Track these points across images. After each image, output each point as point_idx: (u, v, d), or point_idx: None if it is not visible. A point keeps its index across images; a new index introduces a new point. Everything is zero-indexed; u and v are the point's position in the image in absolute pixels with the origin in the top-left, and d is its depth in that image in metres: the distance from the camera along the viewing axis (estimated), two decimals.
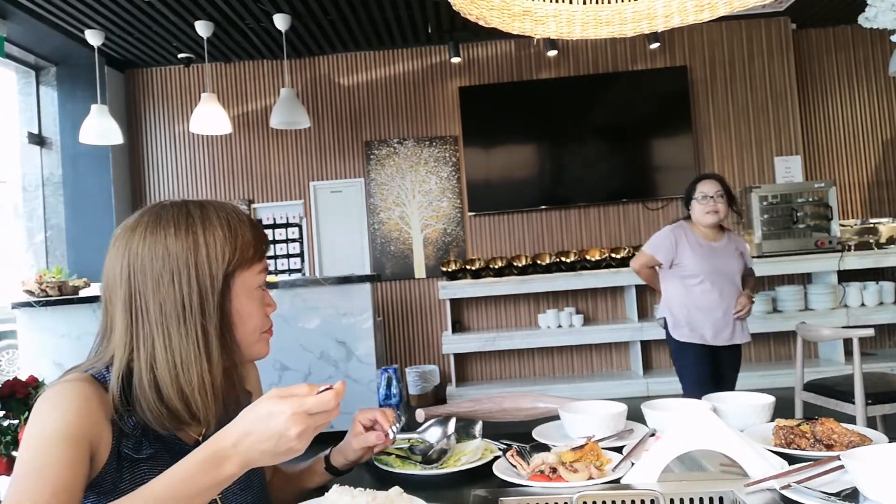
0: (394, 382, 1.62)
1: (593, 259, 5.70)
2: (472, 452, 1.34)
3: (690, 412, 1.36)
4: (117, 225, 1.03)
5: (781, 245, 5.50)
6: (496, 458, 1.32)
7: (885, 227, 5.62)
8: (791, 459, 1.21)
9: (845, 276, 5.56)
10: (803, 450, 1.25)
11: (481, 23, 1.42)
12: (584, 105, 6.01)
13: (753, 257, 6.11)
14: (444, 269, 5.79)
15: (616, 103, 5.99)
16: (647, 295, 5.76)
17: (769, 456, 1.18)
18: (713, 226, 3.19)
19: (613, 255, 5.66)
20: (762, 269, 5.44)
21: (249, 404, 0.86)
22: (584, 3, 1.41)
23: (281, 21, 5.09)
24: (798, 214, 5.49)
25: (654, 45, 5.89)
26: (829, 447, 1.24)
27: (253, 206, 6.14)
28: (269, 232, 6.15)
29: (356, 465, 1.32)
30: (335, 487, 0.99)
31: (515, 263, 5.76)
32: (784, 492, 1.04)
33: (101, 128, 4.99)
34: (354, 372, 4.54)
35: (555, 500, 1.13)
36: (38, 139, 5.69)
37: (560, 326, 5.69)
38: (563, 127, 5.99)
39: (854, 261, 5.42)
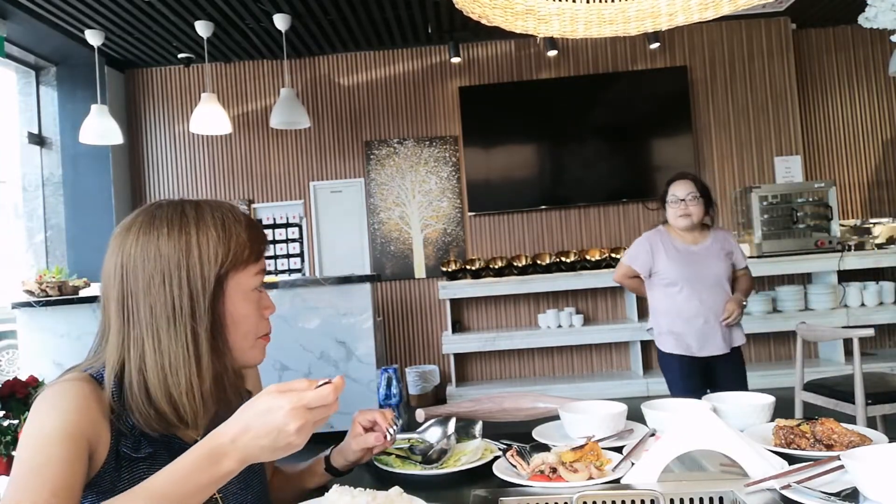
0: (394, 382, 1.61)
1: (593, 259, 5.70)
2: (472, 452, 1.34)
3: (690, 412, 1.36)
4: (117, 225, 1.03)
5: (781, 245, 5.50)
6: (496, 458, 1.32)
7: (885, 227, 5.62)
8: (791, 459, 1.21)
9: (845, 276, 5.56)
10: (803, 450, 1.25)
11: (484, 21, 1.41)
12: (584, 105, 6.01)
13: (753, 257, 6.15)
14: (444, 269, 5.79)
15: (616, 103, 5.99)
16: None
17: (769, 456, 1.18)
18: (688, 229, 2.98)
19: (613, 255, 5.66)
20: (762, 269, 5.46)
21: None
22: (588, 1, 1.41)
23: (281, 21, 5.09)
24: (798, 214, 5.49)
25: (654, 45, 5.89)
26: (829, 447, 1.24)
27: (253, 206, 6.14)
28: (268, 232, 6.15)
29: (356, 466, 1.32)
30: (335, 487, 0.99)
31: (515, 263, 5.76)
32: (784, 492, 1.04)
33: (101, 128, 4.99)
34: (354, 372, 4.54)
35: (555, 500, 1.13)
36: (38, 139, 5.69)
37: (560, 326, 5.68)
38: (563, 127, 5.99)
39: (854, 261, 5.42)
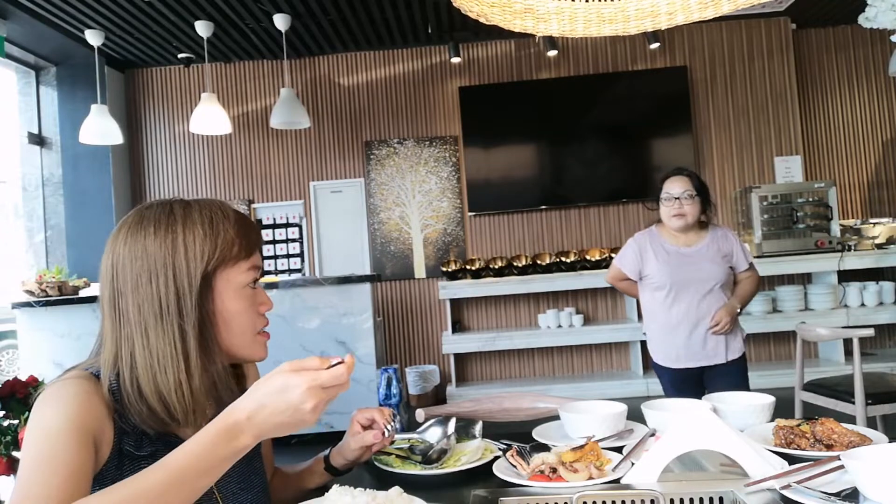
0: (394, 382, 1.62)
1: (593, 259, 5.70)
2: (472, 452, 1.34)
3: (690, 412, 1.36)
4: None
5: (781, 245, 5.50)
6: (496, 458, 1.32)
7: (885, 227, 5.62)
8: (791, 459, 1.21)
9: (845, 276, 5.56)
10: (803, 450, 1.25)
11: (482, 20, 1.41)
12: (584, 105, 6.01)
13: (753, 257, 6.17)
14: (444, 269, 5.79)
15: (616, 103, 5.99)
16: None
17: (769, 456, 1.18)
18: (683, 230, 2.76)
19: (613, 255, 5.64)
20: (762, 269, 5.38)
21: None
22: (587, 0, 1.41)
23: (281, 21, 5.09)
24: (798, 214, 5.49)
25: (655, 45, 5.89)
26: (829, 447, 1.24)
27: (253, 206, 6.14)
28: (268, 232, 6.15)
29: (356, 465, 1.32)
30: (335, 487, 0.99)
31: (515, 263, 5.76)
32: (784, 492, 1.04)
33: (100, 128, 4.99)
34: (355, 372, 4.52)
35: (555, 500, 1.13)
36: (38, 139, 5.69)
37: (560, 326, 5.68)
38: (563, 127, 5.99)
39: (854, 261, 5.42)
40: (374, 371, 4.55)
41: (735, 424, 1.32)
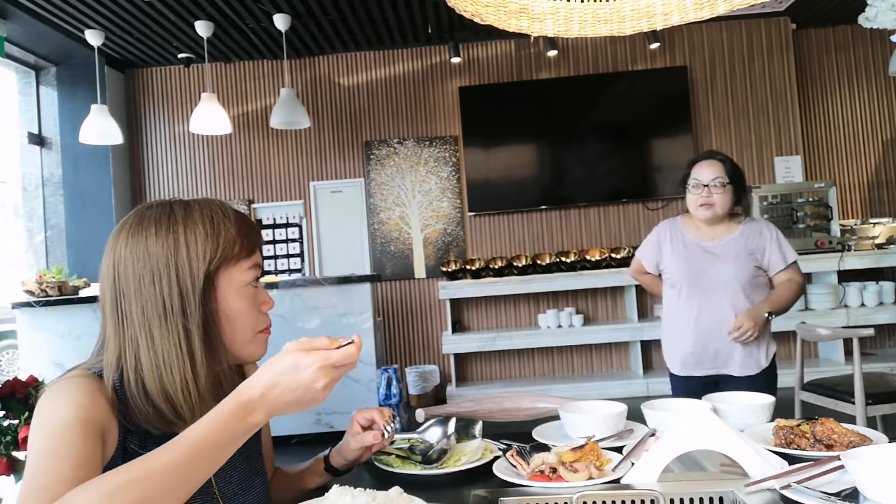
0: (394, 382, 1.62)
1: (593, 259, 5.70)
2: (472, 452, 1.34)
3: (690, 412, 1.36)
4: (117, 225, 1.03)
5: None
6: (496, 458, 1.32)
7: (885, 227, 5.62)
8: (791, 459, 1.21)
9: (845, 276, 5.56)
10: (803, 450, 1.25)
11: (476, 19, 1.41)
12: (584, 105, 6.01)
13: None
14: (444, 269, 5.79)
15: (616, 103, 5.99)
16: (647, 295, 5.76)
17: (769, 456, 1.18)
18: (710, 222, 2.45)
19: (613, 255, 5.66)
20: None
21: None
22: (582, 0, 1.41)
23: (281, 21, 5.09)
24: (798, 214, 5.49)
25: (654, 45, 5.89)
26: (829, 447, 1.24)
27: (253, 206, 6.14)
28: (268, 232, 6.15)
29: (356, 465, 1.32)
30: (335, 487, 0.99)
31: (515, 263, 5.76)
32: (784, 492, 1.04)
33: (101, 128, 4.99)
34: (354, 372, 4.52)
35: (555, 500, 1.13)
36: (38, 139, 5.69)
37: (560, 326, 5.68)
38: (563, 127, 5.99)
39: (854, 261, 5.42)
40: (374, 371, 4.55)
41: (735, 424, 1.32)
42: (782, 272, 2.46)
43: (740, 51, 6.03)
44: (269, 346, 1.09)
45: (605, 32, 1.42)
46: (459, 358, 5.92)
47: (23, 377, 2.40)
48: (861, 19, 2.78)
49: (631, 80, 6.00)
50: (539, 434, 1.48)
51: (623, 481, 1.15)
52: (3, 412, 2.26)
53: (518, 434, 1.50)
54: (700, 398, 2.29)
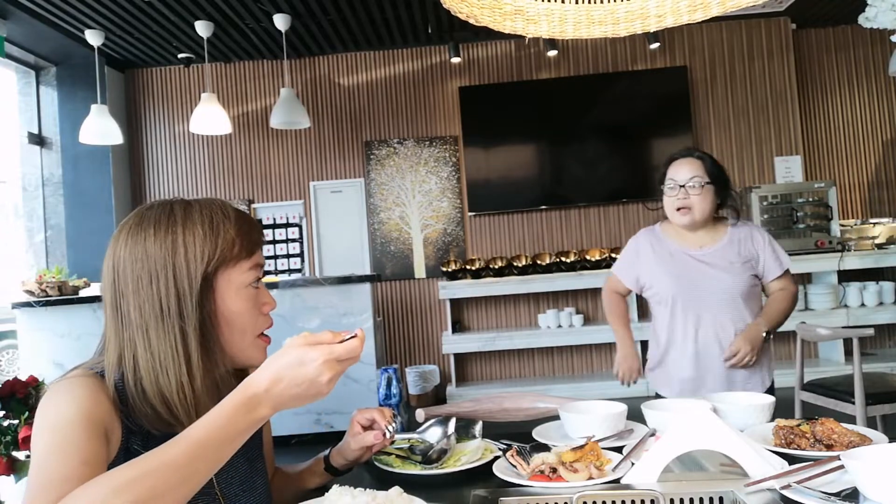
0: (394, 382, 1.62)
1: (593, 259, 5.70)
2: (472, 452, 1.34)
3: (690, 412, 1.36)
4: (117, 225, 1.03)
5: (781, 245, 5.46)
6: (496, 458, 1.32)
7: (885, 227, 5.62)
8: (791, 459, 1.21)
9: (845, 276, 5.56)
10: (803, 450, 1.25)
11: (472, 21, 1.41)
12: (584, 105, 6.01)
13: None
14: (444, 269, 5.79)
15: (616, 103, 5.99)
16: None
17: (769, 456, 1.18)
18: (691, 227, 2.19)
19: (613, 255, 5.66)
20: None
21: None
22: (577, 2, 1.41)
23: (281, 21, 5.09)
24: (798, 214, 5.49)
25: (654, 45, 5.89)
26: (829, 447, 1.24)
27: (253, 206, 6.14)
28: (268, 232, 6.15)
29: (356, 465, 1.32)
30: (335, 488, 0.99)
31: (515, 263, 5.76)
32: (784, 492, 1.04)
33: (100, 128, 4.99)
34: (354, 372, 4.54)
35: (555, 500, 1.13)
36: (38, 139, 5.69)
37: (560, 326, 5.68)
38: (563, 127, 5.99)
39: (854, 261, 5.42)
40: (374, 371, 4.55)
41: (735, 424, 1.32)
42: (776, 280, 2.22)
43: (740, 51, 6.04)
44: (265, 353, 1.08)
45: (600, 34, 1.42)
46: (459, 358, 5.92)
47: (23, 377, 2.40)
48: (861, 19, 2.78)
49: (631, 80, 6.00)
50: (539, 434, 1.48)
51: (623, 481, 1.15)
52: (3, 412, 2.26)
53: (518, 434, 1.50)
54: None
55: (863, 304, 5.46)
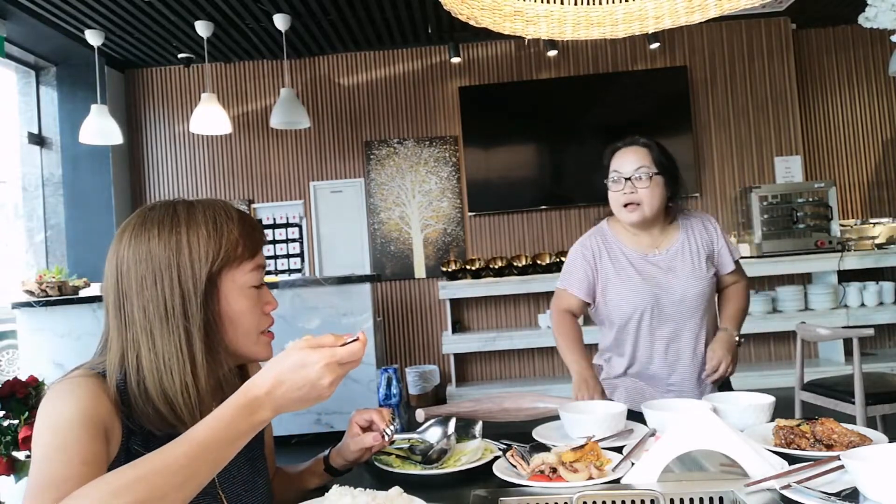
0: (394, 382, 1.62)
1: None
2: (472, 452, 1.34)
3: (690, 412, 1.36)
4: (117, 225, 1.04)
5: (781, 245, 5.50)
6: (496, 458, 1.32)
7: (885, 227, 5.62)
8: (791, 459, 1.21)
9: (845, 276, 5.56)
10: (803, 450, 1.25)
11: (472, 23, 1.42)
12: (584, 105, 6.01)
13: (753, 257, 6.11)
14: (444, 269, 5.79)
15: (616, 103, 5.99)
16: None
17: (769, 456, 1.18)
18: (641, 225, 1.93)
19: None
20: (762, 269, 5.45)
21: None
22: (576, 3, 1.42)
23: (281, 21, 5.09)
24: (798, 214, 5.49)
25: (654, 46, 5.89)
26: (829, 447, 1.24)
27: (253, 206, 6.14)
28: (268, 232, 6.15)
29: (355, 465, 1.32)
30: (335, 488, 0.99)
31: (515, 263, 5.76)
32: (784, 492, 1.04)
33: (100, 128, 4.99)
34: (354, 372, 4.51)
35: (555, 500, 1.13)
36: (38, 139, 5.69)
37: None
38: (563, 127, 5.99)
39: (854, 261, 5.42)
40: (374, 371, 4.55)
41: (735, 424, 1.32)
42: (730, 274, 2.01)
43: (740, 51, 6.03)
44: (271, 349, 1.09)
45: (598, 35, 1.43)
46: (459, 358, 5.91)
47: (23, 377, 2.39)
48: (861, 19, 2.78)
49: (631, 80, 6.00)
50: (539, 434, 1.48)
51: (623, 481, 1.15)
52: (3, 412, 2.26)
53: (518, 434, 1.50)
54: None
55: (863, 304, 5.46)
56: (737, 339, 1.95)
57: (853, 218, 6.07)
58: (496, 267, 5.73)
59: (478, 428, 1.41)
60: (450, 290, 5.64)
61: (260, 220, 6.15)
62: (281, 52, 5.80)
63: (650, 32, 1.40)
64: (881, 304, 5.48)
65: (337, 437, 1.31)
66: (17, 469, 2.18)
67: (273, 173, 6.17)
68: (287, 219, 6.16)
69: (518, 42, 6.09)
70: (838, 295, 5.49)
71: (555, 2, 1.42)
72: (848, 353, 5.20)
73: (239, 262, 1.01)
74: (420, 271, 6.08)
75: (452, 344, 5.67)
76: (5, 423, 2.21)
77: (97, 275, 4.95)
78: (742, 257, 2.08)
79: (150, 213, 1.00)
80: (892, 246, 5.54)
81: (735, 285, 2.04)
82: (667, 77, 5.96)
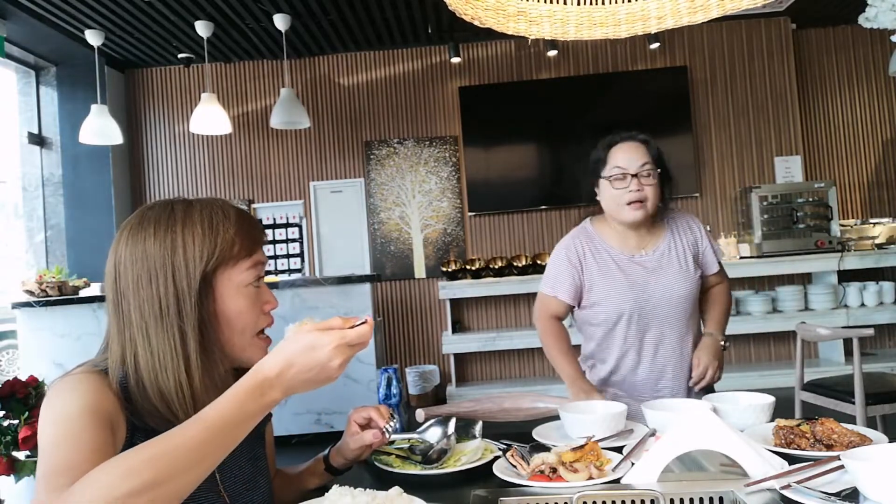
0: (394, 382, 1.62)
1: None
2: (472, 452, 1.34)
3: (690, 412, 1.36)
4: (117, 225, 1.04)
5: (781, 245, 5.49)
6: (496, 458, 1.32)
7: (885, 227, 5.62)
8: (791, 459, 1.21)
9: (845, 276, 5.56)
10: (803, 450, 1.25)
11: (476, 23, 1.43)
12: (584, 105, 6.01)
13: (753, 257, 6.13)
14: (444, 269, 5.79)
15: (616, 103, 5.99)
16: None
17: (769, 456, 1.18)
18: (641, 224, 1.87)
19: None
20: (762, 269, 5.45)
21: None
22: (579, 3, 1.42)
23: (281, 21, 5.09)
24: (798, 214, 5.49)
25: (654, 46, 5.89)
26: (829, 447, 1.24)
27: (253, 206, 6.14)
28: (268, 232, 6.15)
29: (356, 464, 1.32)
30: (335, 488, 0.99)
31: (515, 263, 5.76)
32: (784, 492, 1.04)
33: (101, 128, 4.99)
34: (354, 372, 4.54)
35: (555, 500, 1.13)
36: (38, 139, 5.69)
37: None
38: (563, 127, 5.99)
39: (854, 261, 5.42)
40: (374, 371, 4.55)
41: (735, 424, 1.32)
42: (714, 275, 1.97)
43: (740, 51, 6.03)
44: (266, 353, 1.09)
45: (601, 36, 1.43)
46: (459, 358, 5.91)
47: (23, 377, 2.39)
48: (861, 19, 2.78)
49: (631, 81, 6.00)
50: (539, 434, 1.48)
51: (623, 481, 1.15)
52: (3, 412, 2.26)
53: (518, 434, 1.50)
54: None
55: (863, 304, 5.46)
56: (722, 343, 1.91)
57: (853, 218, 6.07)
58: (496, 267, 5.73)
59: (478, 428, 1.41)
60: (450, 290, 5.64)
61: (260, 220, 6.15)
62: (281, 52, 5.80)
63: (652, 32, 1.40)
64: (881, 304, 5.48)
65: (337, 436, 1.31)
66: (17, 469, 2.18)
67: (273, 173, 6.17)
68: (287, 219, 6.16)
69: (518, 42, 6.09)
70: (838, 295, 5.49)
71: (558, 2, 1.42)
72: (848, 353, 5.20)
73: (235, 261, 1.01)
74: (420, 271, 6.08)
75: (452, 344, 5.67)
76: (5, 423, 2.21)
77: (97, 275, 4.96)
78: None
79: (149, 212, 1.01)
80: (892, 246, 5.54)
81: (719, 286, 2.01)
82: (667, 77, 5.96)
